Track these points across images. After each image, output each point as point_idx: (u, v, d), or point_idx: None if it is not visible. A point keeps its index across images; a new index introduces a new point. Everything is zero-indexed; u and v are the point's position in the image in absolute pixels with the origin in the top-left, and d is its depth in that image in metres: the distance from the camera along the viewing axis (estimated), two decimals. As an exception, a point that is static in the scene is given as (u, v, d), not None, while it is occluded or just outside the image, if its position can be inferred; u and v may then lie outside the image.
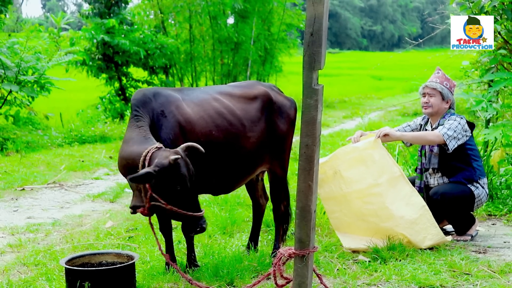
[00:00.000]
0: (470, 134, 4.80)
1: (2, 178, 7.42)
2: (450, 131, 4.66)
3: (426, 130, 4.98)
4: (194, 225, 3.54)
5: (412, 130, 5.06)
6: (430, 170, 4.89)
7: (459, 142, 4.70)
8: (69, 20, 30.25)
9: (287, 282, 3.03)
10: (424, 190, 4.90)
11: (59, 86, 10.81)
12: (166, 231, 4.08)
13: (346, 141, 5.01)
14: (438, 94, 4.83)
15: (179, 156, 3.41)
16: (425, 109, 4.90)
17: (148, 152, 3.47)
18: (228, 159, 4.01)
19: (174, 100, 3.88)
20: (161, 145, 3.52)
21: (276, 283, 3.00)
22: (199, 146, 3.57)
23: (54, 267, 4.14)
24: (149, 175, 3.35)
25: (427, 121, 5.02)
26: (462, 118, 4.80)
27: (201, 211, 3.55)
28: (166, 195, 3.46)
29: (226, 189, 4.22)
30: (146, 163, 3.43)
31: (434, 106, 4.85)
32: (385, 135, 4.68)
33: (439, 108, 4.86)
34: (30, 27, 12.23)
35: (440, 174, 4.85)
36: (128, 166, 3.60)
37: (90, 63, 13.32)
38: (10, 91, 9.77)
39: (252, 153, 4.14)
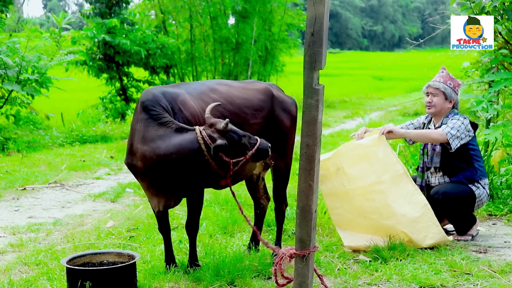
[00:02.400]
0: (473, 135, 4.80)
1: (3, 178, 7.43)
2: (454, 130, 4.66)
3: (429, 129, 4.98)
4: (265, 151, 3.75)
5: (415, 129, 5.06)
6: (432, 169, 4.90)
7: (462, 142, 4.70)
8: (70, 20, 30.23)
9: (288, 282, 3.03)
10: (425, 189, 4.90)
11: (60, 86, 10.82)
12: (165, 231, 4.08)
13: (350, 137, 5.00)
14: (441, 93, 4.83)
15: (224, 121, 3.64)
16: (428, 108, 4.90)
17: (200, 132, 3.66)
18: None
19: (178, 96, 3.89)
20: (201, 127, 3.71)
21: (276, 283, 3.01)
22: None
23: (55, 267, 4.15)
24: (223, 146, 3.60)
25: (430, 120, 5.02)
26: (465, 118, 4.79)
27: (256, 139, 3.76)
28: (238, 152, 3.71)
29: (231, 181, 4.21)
30: (207, 141, 3.63)
31: (437, 106, 4.85)
32: (389, 132, 4.68)
33: (442, 108, 4.86)
34: (30, 28, 12.23)
35: (441, 173, 4.86)
36: (168, 160, 3.67)
37: (91, 63, 13.33)
38: (11, 91, 9.79)
39: None
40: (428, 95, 4.89)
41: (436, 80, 4.87)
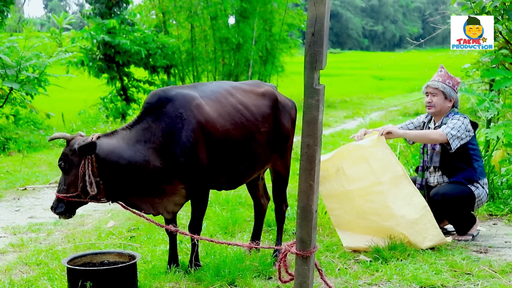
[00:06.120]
0: (473, 134, 4.80)
1: (4, 178, 7.44)
2: (454, 130, 4.65)
3: (429, 128, 4.97)
4: None
5: (415, 128, 5.05)
6: (431, 169, 4.89)
7: (462, 142, 4.69)
8: (71, 20, 30.27)
9: (291, 279, 3.02)
10: (425, 188, 4.90)
11: (60, 84, 10.83)
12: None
13: (349, 139, 5.00)
14: (440, 93, 4.82)
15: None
16: (429, 108, 4.89)
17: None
18: (243, 156, 4.01)
19: (193, 99, 3.81)
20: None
21: (280, 279, 3.01)
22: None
23: (56, 267, 4.15)
24: None
25: (431, 119, 5.01)
26: (465, 117, 4.78)
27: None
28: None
29: (234, 185, 4.21)
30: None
31: (437, 106, 4.84)
32: (388, 133, 4.67)
33: (442, 107, 4.85)
34: (29, 28, 12.25)
35: (440, 172, 4.85)
36: None
37: (90, 63, 13.32)
38: (11, 89, 9.78)
39: (263, 149, 4.14)
40: (427, 95, 4.88)
41: (434, 80, 4.86)
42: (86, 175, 3.60)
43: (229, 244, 3.38)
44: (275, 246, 4.45)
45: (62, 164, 3.65)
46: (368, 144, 4.61)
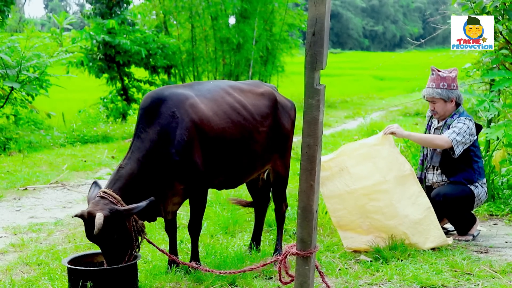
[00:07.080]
0: (475, 137, 4.78)
1: (5, 178, 7.44)
2: (459, 136, 4.62)
3: (432, 123, 4.96)
4: None
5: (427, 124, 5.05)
6: (430, 167, 4.89)
7: (465, 147, 4.68)
8: (72, 20, 30.28)
9: (292, 280, 3.03)
10: (424, 182, 4.90)
11: (60, 84, 10.84)
12: (171, 230, 4.09)
13: (350, 139, 4.99)
14: (438, 100, 4.79)
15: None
16: (434, 115, 4.89)
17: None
18: (240, 155, 4.01)
19: (187, 98, 3.81)
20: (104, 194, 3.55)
21: (280, 280, 3.01)
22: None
23: (57, 267, 4.16)
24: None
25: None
26: (470, 120, 4.75)
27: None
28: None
29: (233, 185, 4.22)
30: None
31: (440, 111, 4.83)
32: (392, 133, 4.64)
33: (446, 111, 4.83)
34: (31, 28, 12.27)
35: (439, 171, 4.85)
36: None
37: (90, 63, 13.32)
38: (12, 89, 9.79)
39: (262, 149, 4.15)
40: (429, 102, 4.87)
41: (429, 87, 4.81)
42: (134, 226, 3.61)
43: (239, 272, 3.47)
44: (276, 246, 4.45)
45: (115, 235, 3.50)
46: (373, 142, 4.60)
